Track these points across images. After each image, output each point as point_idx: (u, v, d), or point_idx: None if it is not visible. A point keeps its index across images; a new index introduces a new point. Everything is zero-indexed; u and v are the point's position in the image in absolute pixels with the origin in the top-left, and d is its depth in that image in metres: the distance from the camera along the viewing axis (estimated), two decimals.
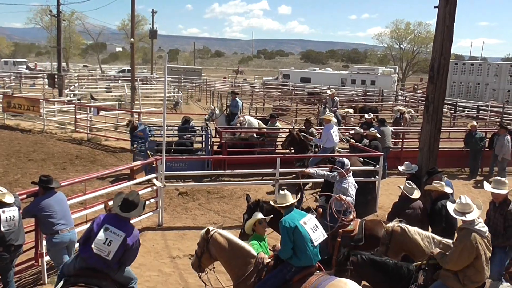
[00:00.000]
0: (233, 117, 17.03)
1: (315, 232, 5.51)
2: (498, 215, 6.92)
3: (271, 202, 6.02)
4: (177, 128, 16.41)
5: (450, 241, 6.36)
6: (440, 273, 5.55)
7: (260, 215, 6.22)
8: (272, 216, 6.33)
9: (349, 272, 5.76)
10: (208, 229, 5.92)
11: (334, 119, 13.83)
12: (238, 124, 16.76)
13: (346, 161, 8.09)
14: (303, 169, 9.01)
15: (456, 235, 5.58)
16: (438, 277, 5.55)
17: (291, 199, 5.75)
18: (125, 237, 5.39)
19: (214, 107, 18.77)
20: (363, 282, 6.07)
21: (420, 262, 5.85)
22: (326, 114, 14.44)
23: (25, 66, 57.76)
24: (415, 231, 6.44)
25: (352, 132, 14.78)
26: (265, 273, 5.58)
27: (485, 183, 7.26)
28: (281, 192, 5.84)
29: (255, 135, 16.39)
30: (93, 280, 5.37)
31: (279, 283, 5.40)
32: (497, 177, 7.08)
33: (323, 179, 9.67)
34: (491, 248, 5.55)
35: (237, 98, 17.36)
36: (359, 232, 7.42)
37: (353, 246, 7.15)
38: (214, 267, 6.14)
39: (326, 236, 5.75)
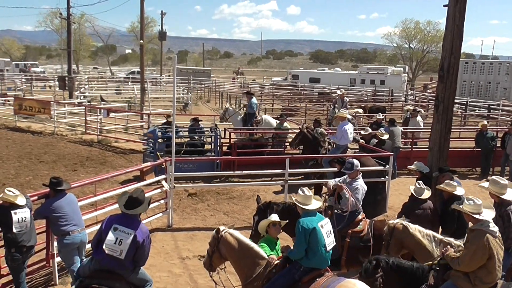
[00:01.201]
0: (249, 117, 17.11)
1: (328, 237, 5.48)
2: (497, 216, 6.83)
3: (293, 198, 5.83)
4: (187, 129, 16.47)
5: (451, 239, 6.32)
6: (451, 273, 5.51)
7: (275, 217, 6.21)
8: (288, 221, 6.32)
9: (380, 280, 5.56)
10: (219, 229, 5.95)
11: (349, 116, 13.65)
12: (254, 125, 16.84)
13: (356, 162, 8.02)
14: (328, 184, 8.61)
15: (466, 236, 5.52)
16: (449, 277, 5.52)
17: (316, 204, 5.60)
18: (135, 234, 5.44)
19: (227, 106, 18.85)
20: None
21: (431, 262, 5.82)
22: (341, 111, 14.36)
23: (35, 68, 58.32)
24: (415, 229, 6.42)
25: (363, 132, 14.69)
26: (274, 274, 5.58)
27: (482, 183, 7.12)
28: (306, 192, 5.65)
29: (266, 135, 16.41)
30: (106, 282, 5.41)
31: (288, 283, 5.40)
32: (493, 177, 6.89)
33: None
34: (503, 248, 5.49)
35: (252, 99, 17.42)
36: (368, 232, 7.39)
37: (362, 246, 7.12)
38: (225, 267, 6.16)
39: (335, 243, 5.69)
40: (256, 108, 17.70)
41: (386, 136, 13.66)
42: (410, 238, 6.37)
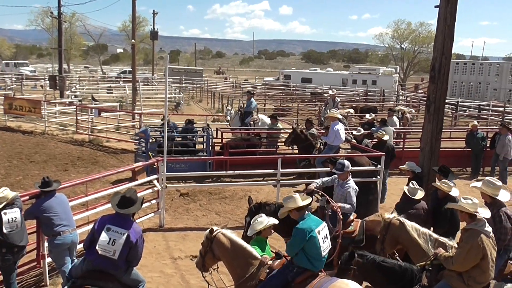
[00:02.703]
0: (246, 116, 17.27)
1: (324, 242, 5.45)
2: (489, 218, 6.88)
3: (285, 206, 5.72)
4: (180, 129, 16.43)
5: (446, 239, 6.35)
6: (444, 273, 5.54)
7: (265, 220, 6.16)
8: (278, 222, 6.32)
9: (352, 272, 5.71)
10: (212, 229, 5.94)
11: (339, 116, 13.63)
12: (252, 123, 16.98)
13: (347, 163, 8.02)
14: (309, 187, 8.51)
15: (460, 235, 5.55)
16: (442, 277, 5.55)
17: (300, 201, 5.56)
18: (128, 234, 5.43)
19: (230, 108, 18.91)
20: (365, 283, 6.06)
21: (424, 263, 5.84)
22: (331, 111, 14.36)
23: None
24: (412, 226, 6.42)
25: (355, 132, 14.68)
26: (267, 274, 5.58)
27: (474, 182, 7.16)
28: (295, 196, 5.61)
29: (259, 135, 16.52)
30: (99, 282, 5.41)
31: (281, 284, 5.39)
32: (488, 178, 6.93)
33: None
34: (496, 248, 5.53)
35: (252, 98, 17.62)
36: (360, 233, 7.39)
37: (354, 247, 7.13)
38: (217, 267, 6.14)
39: (331, 246, 5.67)
40: (254, 108, 17.91)
41: (387, 137, 13.28)
42: (406, 235, 6.37)
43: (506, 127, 15.20)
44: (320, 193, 7.97)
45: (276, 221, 6.19)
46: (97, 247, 5.33)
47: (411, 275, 5.65)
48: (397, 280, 5.66)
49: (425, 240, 6.34)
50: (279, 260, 5.67)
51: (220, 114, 27.07)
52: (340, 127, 12.48)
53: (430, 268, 5.69)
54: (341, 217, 7.44)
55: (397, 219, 6.52)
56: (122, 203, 5.58)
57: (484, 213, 5.46)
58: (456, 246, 5.84)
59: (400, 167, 10.18)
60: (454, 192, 7.78)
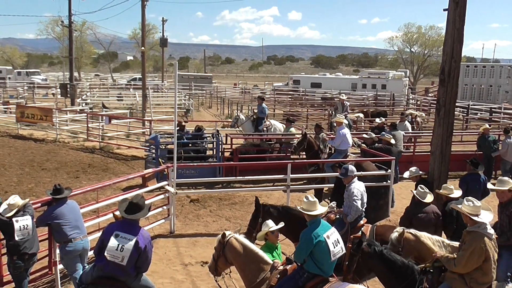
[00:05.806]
0: (259, 122, 17.31)
1: (335, 247, 5.41)
2: (504, 216, 6.92)
3: (298, 207, 5.78)
4: (190, 135, 16.48)
5: (458, 243, 6.31)
6: (446, 275, 5.51)
7: (271, 223, 6.19)
8: (283, 224, 6.32)
9: (356, 258, 5.84)
10: (225, 234, 5.97)
11: (345, 121, 13.69)
12: (265, 129, 17.02)
13: (351, 167, 7.99)
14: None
15: (463, 237, 5.51)
16: (444, 280, 5.51)
17: (320, 209, 5.56)
18: (137, 240, 5.46)
19: (239, 113, 18.98)
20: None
21: (423, 265, 5.79)
22: (337, 116, 14.36)
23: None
24: (425, 236, 6.39)
25: (365, 136, 14.61)
26: (278, 279, 5.57)
27: (488, 183, 7.25)
28: (310, 198, 5.62)
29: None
30: None
31: None
32: (501, 177, 7.04)
33: (333, 184, 9.74)
34: (497, 250, 5.51)
35: (263, 104, 17.67)
36: (370, 237, 7.35)
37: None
38: (230, 272, 6.16)
39: (344, 251, 5.65)
40: (266, 113, 17.98)
41: (393, 141, 13.30)
42: (422, 246, 6.32)
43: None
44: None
45: (278, 227, 6.19)
46: (105, 253, 5.36)
47: (412, 275, 5.59)
48: (399, 275, 5.59)
49: (439, 247, 6.30)
50: (290, 265, 5.67)
51: (230, 120, 27.14)
52: (346, 131, 12.51)
53: (431, 270, 5.65)
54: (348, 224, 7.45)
55: (408, 232, 6.45)
56: (129, 209, 5.62)
57: (486, 216, 5.42)
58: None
59: (404, 175, 10.02)
60: (456, 194, 7.81)
